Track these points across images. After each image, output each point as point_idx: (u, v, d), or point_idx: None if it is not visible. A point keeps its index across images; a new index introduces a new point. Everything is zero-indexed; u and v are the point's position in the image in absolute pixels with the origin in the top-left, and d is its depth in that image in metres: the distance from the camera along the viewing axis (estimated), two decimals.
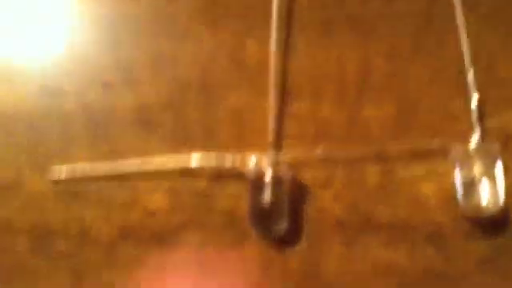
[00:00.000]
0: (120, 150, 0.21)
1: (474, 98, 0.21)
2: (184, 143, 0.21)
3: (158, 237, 0.20)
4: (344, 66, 0.22)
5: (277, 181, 0.20)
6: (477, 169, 0.20)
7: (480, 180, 0.20)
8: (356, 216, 0.20)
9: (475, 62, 0.22)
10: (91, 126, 0.21)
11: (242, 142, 0.21)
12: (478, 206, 0.20)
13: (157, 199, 0.20)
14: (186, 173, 0.20)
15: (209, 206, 0.20)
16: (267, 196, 0.20)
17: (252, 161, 0.20)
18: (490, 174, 0.20)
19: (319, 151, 0.20)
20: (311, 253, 0.20)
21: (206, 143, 0.21)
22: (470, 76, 0.21)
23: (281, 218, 0.20)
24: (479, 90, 0.21)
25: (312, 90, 0.21)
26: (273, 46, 0.21)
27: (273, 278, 0.20)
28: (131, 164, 0.20)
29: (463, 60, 0.21)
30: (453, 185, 0.20)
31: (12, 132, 0.21)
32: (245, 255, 0.20)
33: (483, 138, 0.20)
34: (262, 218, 0.20)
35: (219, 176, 0.20)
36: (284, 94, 0.21)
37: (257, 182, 0.20)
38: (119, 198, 0.20)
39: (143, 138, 0.21)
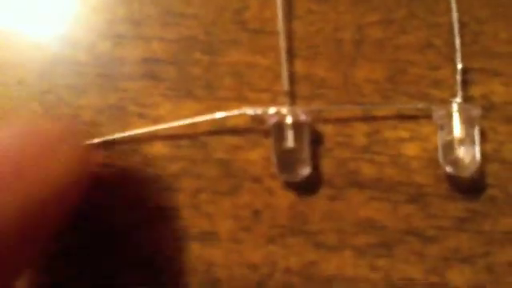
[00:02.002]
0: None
1: (459, 66, 0.21)
2: (186, 97, 0.21)
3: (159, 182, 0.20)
4: (340, 32, 0.21)
5: (297, 126, 0.20)
6: (457, 131, 0.20)
7: (459, 142, 0.20)
8: (343, 174, 0.20)
9: (463, 31, 0.21)
10: (101, 76, 0.21)
11: (242, 97, 0.21)
12: (456, 166, 0.20)
13: (157, 148, 0.20)
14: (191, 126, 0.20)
15: (206, 157, 0.20)
16: (290, 141, 0.20)
17: (272, 110, 0.20)
18: (469, 137, 0.20)
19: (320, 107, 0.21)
20: (299, 204, 0.20)
21: (207, 97, 0.21)
22: (457, 45, 0.21)
23: (304, 163, 0.20)
24: (466, 59, 0.21)
25: (309, 53, 0.21)
26: (279, 11, 0.21)
27: (262, 224, 0.20)
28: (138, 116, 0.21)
29: (452, 30, 0.21)
30: (434, 147, 0.20)
31: (23, 81, 0.21)
32: (237, 202, 0.20)
33: (466, 103, 0.20)
34: (287, 162, 0.20)
35: (219, 130, 0.21)
36: (285, 55, 0.21)
37: (279, 128, 0.20)
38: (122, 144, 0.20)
39: (149, 92, 0.21)
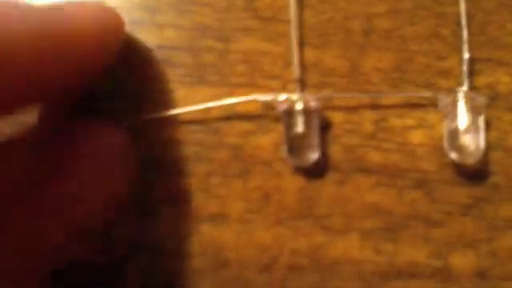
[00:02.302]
0: None
1: (465, 56, 0.21)
2: (200, 83, 0.21)
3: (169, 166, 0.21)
4: (349, 21, 0.22)
5: (307, 112, 0.20)
6: (462, 119, 0.20)
7: (464, 130, 0.20)
8: (350, 159, 0.21)
9: (470, 22, 0.22)
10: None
11: (254, 84, 0.21)
12: (461, 153, 0.20)
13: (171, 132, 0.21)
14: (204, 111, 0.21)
15: (218, 141, 0.21)
16: (300, 126, 0.20)
17: (282, 96, 0.20)
18: (474, 125, 0.20)
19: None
20: (307, 188, 0.20)
21: (220, 84, 0.21)
22: (465, 35, 0.21)
23: (312, 148, 0.20)
24: (473, 49, 0.21)
25: (319, 41, 0.22)
26: (294, 1, 0.22)
27: (271, 207, 0.20)
28: None
29: (459, 20, 0.22)
30: (441, 135, 0.21)
31: None
32: (248, 185, 0.20)
33: (472, 92, 0.21)
34: (296, 147, 0.20)
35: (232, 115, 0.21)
36: (296, 43, 0.21)
37: (289, 114, 0.20)
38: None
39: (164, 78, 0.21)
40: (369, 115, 0.21)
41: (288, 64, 0.21)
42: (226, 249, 0.20)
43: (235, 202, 0.20)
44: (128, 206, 0.20)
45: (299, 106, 0.20)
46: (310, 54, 0.22)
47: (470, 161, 0.20)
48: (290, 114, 0.20)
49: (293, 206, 0.20)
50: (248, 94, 0.21)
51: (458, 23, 0.22)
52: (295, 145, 0.20)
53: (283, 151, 0.20)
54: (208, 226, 0.20)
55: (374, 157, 0.21)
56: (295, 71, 0.21)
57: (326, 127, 0.21)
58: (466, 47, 0.21)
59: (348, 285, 0.20)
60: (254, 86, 0.21)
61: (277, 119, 0.21)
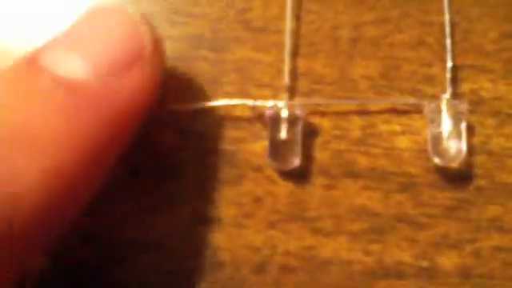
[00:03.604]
0: None
1: (449, 64, 0.22)
2: (192, 92, 0.22)
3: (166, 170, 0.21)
4: (337, 30, 0.22)
5: (292, 119, 0.21)
6: (445, 125, 0.21)
7: (447, 135, 0.20)
8: (339, 164, 0.21)
9: (455, 30, 0.22)
10: None
11: (246, 92, 0.22)
12: (443, 157, 0.20)
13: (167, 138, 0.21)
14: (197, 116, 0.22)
15: (212, 147, 0.21)
16: (284, 132, 0.21)
17: (270, 103, 0.21)
18: (456, 130, 0.21)
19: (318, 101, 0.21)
20: (297, 192, 0.21)
21: (212, 93, 0.22)
22: (448, 43, 0.22)
23: (295, 154, 0.21)
24: (457, 56, 0.22)
25: (308, 50, 0.22)
26: (290, 12, 0.22)
27: (263, 211, 0.21)
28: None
29: (444, 28, 0.22)
30: (425, 141, 0.21)
31: None
32: (240, 190, 0.21)
33: (456, 98, 0.21)
34: (279, 152, 0.21)
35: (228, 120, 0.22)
36: (284, 52, 0.22)
37: (275, 120, 0.21)
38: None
39: None
40: (357, 121, 0.22)
41: (279, 73, 0.22)
42: (221, 250, 0.21)
43: (228, 206, 0.21)
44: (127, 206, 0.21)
45: (284, 113, 0.21)
46: (300, 63, 0.22)
47: (453, 164, 0.21)
48: (275, 120, 0.21)
49: (284, 210, 0.21)
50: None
51: (443, 31, 0.22)
52: (279, 150, 0.21)
53: (267, 155, 0.21)
54: (203, 228, 0.21)
55: (362, 161, 0.21)
56: (285, 79, 0.22)
57: (313, 133, 0.21)
58: (449, 56, 0.22)
59: (337, 284, 0.20)
60: (245, 95, 0.22)
61: (267, 127, 0.21)
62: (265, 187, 0.21)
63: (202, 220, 0.21)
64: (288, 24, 0.22)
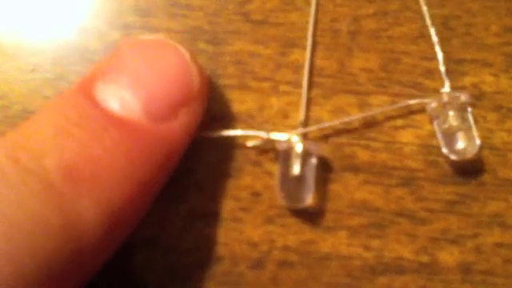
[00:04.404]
0: None
1: (440, 56, 0.21)
2: None
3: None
4: (337, 23, 0.22)
5: (305, 154, 0.20)
6: (452, 119, 0.20)
7: (456, 128, 0.20)
8: (339, 158, 0.21)
9: (456, 24, 0.22)
10: None
11: (245, 85, 0.21)
12: (459, 152, 0.20)
13: None
14: None
15: (210, 141, 0.21)
16: (297, 168, 0.20)
17: (282, 136, 0.20)
18: (464, 122, 0.20)
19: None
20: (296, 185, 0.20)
21: (212, 85, 0.21)
22: (433, 33, 0.22)
23: (308, 189, 0.20)
24: (458, 50, 0.22)
25: (308, 42, 0.22)
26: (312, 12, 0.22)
27: (261, 205, 0.20)
28: None
29: (444, 22, 0.22)
30: (427, 134, 0.21)
31: (37, 67, 0.21)
32: (239, 184, 0.21)
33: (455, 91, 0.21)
34: (291, 188, 0.20)
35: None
36: (283, 45, 0.22)
37: (287, 155, 0.20)
38: None
39: None
40: (358, 115, 0.21)
41: (278, 66, 0.22)
42: (219, 245, 0.20)
43: (226, 200, 0.21)
44: None
45: (299, 149, 0.20)
46: (299, 56, 0.22)
47: (469, 156, 0.20)
48: (287, 154, 0.20)
49: (282, 204, 0.21)
50: (240, 96, 0.21)
51: (443, 24, 0.22)
52: (291, 186, 0.20)
53: (278, 191, 0.20)
54: (201, 223, 0.20)
55: (363, 155, 0.21)
56: (301, 114, 0.21)
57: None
58: (438, 47, 0.21)
59: (336, 280, 0.20)
60: (245, 88, 0.21)
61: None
62: (263, 181, 0.21)
63: (200, 215, 0.20)
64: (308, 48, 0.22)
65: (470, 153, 0.20)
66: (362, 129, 0.21)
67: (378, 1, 0.22)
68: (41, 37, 0.22)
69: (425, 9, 0.22)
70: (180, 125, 0.18)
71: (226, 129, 0.21)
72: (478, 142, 0.20)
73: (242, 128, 0.21)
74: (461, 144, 0.20)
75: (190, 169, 0.21)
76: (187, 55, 0.18)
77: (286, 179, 0.20)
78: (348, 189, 0.21)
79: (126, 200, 0.16)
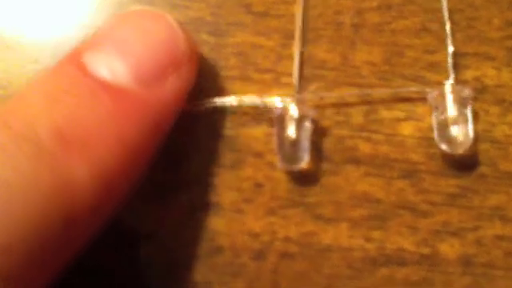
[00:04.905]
0: None
1: (450, 49, 0.21)
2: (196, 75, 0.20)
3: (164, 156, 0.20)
4: (340, 16, 0.22)
5: (301, 117, 0.20)
6: (450, 111, 0.20)
7: (453, 121, 0.20)
8: (341, 150, 0.21)
9: (459, 17, 0.22)
10: None
11: (247, 77, 0.21)
12: (450, 144, 0.20)
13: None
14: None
15: (212, 132, 0.21)
16: (292, 131, 0.20)
17: (278, 100, 0.20)
18: (462, 116, 0.20)
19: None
20: (298, 178, 0.20)
21: (214, 76, 0.21)
22: (447, 30, 0.21)
23: (303, 152, 0.20)
24: (461, 43, 0.21)
25: (310, 36, 0.22)
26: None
27: (263, 196, 0.20)
28: None
29: (448, 15, 0.22)
30: (428, 127, 0.21)
31: (38, 60, 0.22)
32: (240, 175, 0.21)
33: (459, 85, 0.21)
34: (287, 151, 0.20)
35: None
36: (286, 37, 0.22)
37: (281, 119, 0.20)
38: None
39: None
40: (359, 107, 0.21)
41: (280, 58, 0.21)
42: (220, 236, 0.20)
43: (228, 191, 0.21)
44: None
45: (294, 113, 0.20)
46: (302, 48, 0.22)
47: (460, 151, 0.20)
48: (283, 118, 0.20)
49: (284, 196, 0.20)
50: (241, 88, 0.21)
51: (447, 18, 0.22)
52: (286, 149, 0.20)
53: (276, 156, 0.20)
54: (202, 214, 0.20)
55: (364, 148, 0.21)
56: (294, 74, 0.21)
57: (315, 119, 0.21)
58: (449, 41, 0.21)
59: (337, 271, 0.20)
60: (246, 79, 0.21)
61: (268, 111, 0.21)
62: (265, 172, 0.21)
63: (201, 205, 0.20)
64: (298, 9, 0.22)
65: (462, 147, 0.20)
66: (364, 121, 0.21)
67: None
68: (42, 31, 0.22)
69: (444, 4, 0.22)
70: (170, 89, 0.18)
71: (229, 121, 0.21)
72: (471, 137, 0.20)
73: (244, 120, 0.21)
74: (454, 136, 0.20)
75: (191, 159, 0.21)
76: (174, 23, 0.19)
77: (282, 143, 0.20)
78: (349, 181, 0.21)
79: (117, 163, 0.16)
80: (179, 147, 0.21)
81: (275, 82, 0.21)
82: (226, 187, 0.21)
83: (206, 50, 0.22)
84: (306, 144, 0.20)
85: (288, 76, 0.21)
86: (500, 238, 0.20)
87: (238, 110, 0.21)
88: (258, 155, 0.21)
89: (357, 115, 0.21)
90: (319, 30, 0.22)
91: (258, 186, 0.21)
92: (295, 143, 0.20)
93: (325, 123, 0.21)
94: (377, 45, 0.22)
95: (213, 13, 0.22)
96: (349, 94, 0.21)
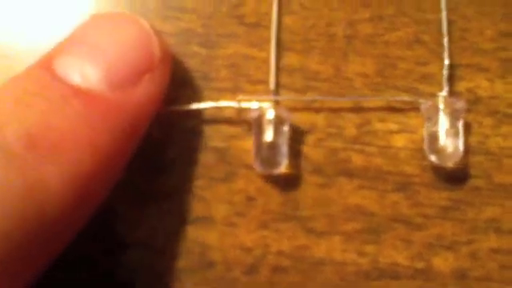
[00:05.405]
0: None
1: (446, 62, 0.21)
2: (184, 88, 0.21)
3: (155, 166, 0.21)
4: (332, 27, 0.22)
5: (278, 120, 0.20)
6: (442, 123, 0.20)
7: (444, 133, 0.20)
8: (333, 162, 0.21)
9: (451, 28, 0.22)
10: None
11: (238, 89, 0.21)
12: (440, 156, 0.20)
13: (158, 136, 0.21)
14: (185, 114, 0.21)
15: (203, 144, 0.21)
16: (269, 135, 0.20)
17: (255, 103, 0.20)
18: (454, 129, 0.20)
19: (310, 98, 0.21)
20: (291, 191, 0.20)
21: (204, 88, 0.21)
22: (445, 43, 0.21)
23: (282, 156, 0.20)
24: (453, 54, 0.21)
25: (302, 47, 0.21)
26: (275, 5, 0.22)
27: (255, 210, 0.20)
28: None
29: (440, 27, 0.22)
30: (422, 139, 0.20)
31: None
32: (232, 188, 0.20)
33: (452, 97, 0.21)
34: (266, 156, 0.20)
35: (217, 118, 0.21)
36: (278, 48, 0.21)
37: (260, 122, 0.20)
38: None
39: None
40: (352, 119, 0.21)
41: (276, 71, 0.21)
42: (211, 250, 0.20)
43: (220, 204, 0.20)
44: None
45: (270, 115, 0.20)
46: (294, 60, 0.21)
47: (449, 164, 0.20)
48: (260, 122, 0.20)
49: (276, 209, 0.20)
50: (233, 99, 0.21)
51: (439, 30, 0.22)
52: (264, 153, 0.20)
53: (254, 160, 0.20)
54: (193, 227, 0.20)
55: (357, 160, 0.21)
56: (271, 79, 0.21)
57: (307, 131, 0.21)
58: (446, 53, 0.21)
59: (331, 286, 0.19)
60: (238, 91, 0.21)
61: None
62: (257, 185, 0.20)
63: (193, 219, 0.20)
64: (274, 19, 0.21)
65: (451, 160, 0.20)
66: (357, 133, 0.21)
67: (373, 5, 0.22)
68: (37, 39, 0.22)
69: (444, 14, 0.22)
70: (143, 93, 0.18)
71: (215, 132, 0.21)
72: (461, 151, 0.20)
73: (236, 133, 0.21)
74: (443, 149, 0.20)
75: (182, 171, 0.21)
76: (147, 26, 0.19)
77: (260, 147, 0.20)
78: (342, 194, 0.20)
79: (90, 167, 0.16)
80: (169, 159, 0.21)
81: (268, 94, 0.21)
82: (218, 200, 0.20)
83: (197, 62, 0.21)
84: (284, 148, 0.20)
85: (281, 87, 0.21)
86: (495, 250, 0.20)
87: (229, 122, 0.21)
88: (250, 167, 0.20)
89: (350, 127, 0.21)
90: (311, 42, 0.22)
91: (250, 199, 0.20)
92: (273, 147, 0.20)
93: (317, 135, 0.21)
94: (369, 56, 0.22)
95: (204, 24, 0.22)
96: (325, 98, 0.21)
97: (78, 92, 0.17)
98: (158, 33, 0.19)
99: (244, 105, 0.20)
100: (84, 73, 0.17)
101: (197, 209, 0.20)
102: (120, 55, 0.18)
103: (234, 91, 0.21)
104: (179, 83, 0.21)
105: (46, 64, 0.17)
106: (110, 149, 0.17)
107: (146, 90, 0.18)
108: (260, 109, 0.20)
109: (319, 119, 0.21)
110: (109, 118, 0.17)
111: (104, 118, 0.17)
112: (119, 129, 0.17)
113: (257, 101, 0.20)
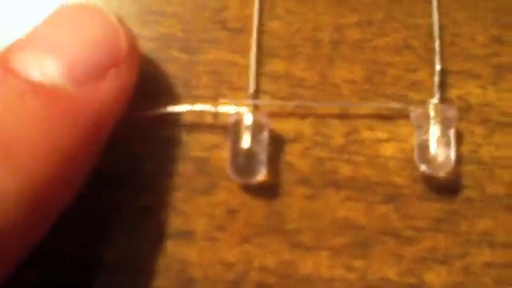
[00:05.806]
0: None
1: (437, 67, 0.20)
2: (162, 96, 0.20)
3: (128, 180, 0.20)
4: (318, 32, 0.21)
5: (256, 126, 0.19)
6: (433, 131, 0.19)
7: (435, 142, 0.19)
8: (320, 173, 0.20)
9: (441, 34, 0.21)
10: None
11: (220, 96, 0.20)
12: (430, 165, 0.19)
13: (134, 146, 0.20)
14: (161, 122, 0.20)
15: (182, 155, 0.20)
16: (246, 141, 0.19)
17: (232, 108, 0.19)
18: (445, 138, 0.19)
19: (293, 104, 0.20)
20: (275, 203, 0.19)
21: (184, 95, 0.20)
22: (437, 46, 0.21)
23: (259, 164, 0.19)
24: (444, 61, 0.21)
25: (288, 52, 0.21)
26: (256, 9, 0.21)
27: (237, 223, 0.19)
28: None
29: (430, 32, 0.21)
30: (412, 148, 0.20)
31: None
32: (213, 201, 0.19)
33: (443, 104, 0.20)
34: (242, 163, 0.19)
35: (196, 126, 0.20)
36: (262, 54, 0.21)
37: (237, 128, 0.19)
38: None
39: None
40: (339, 127, 0.20)
41: (256, 76, 0.21)
42: (191, 266, 0.19)
43: (199, 217, 0.19)
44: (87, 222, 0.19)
45: (248, 121, 0.19)
46: (279, 66, 0.21)
47: (441, 173, 0.19)
48: (238, 127, 0.19)
49: (260, 222, 0.19)
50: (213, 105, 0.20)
51: (429, 35, 0.21)
52: (240, 160, 0.19)
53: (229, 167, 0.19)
54: (172, 242, 0.19)
55: (345, 170, 0.20)
56: (251, 83, 0.20)
57: (293, 140, 0.20)
58: (437, 59, 0.21)
59: None
60: (220, 98, 0.20)
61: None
62: (239, 197, 0.19)
63: (171, 234, 0.19)
64: (255, 24, 0.21)
65: (443, 169, 0.19)
66: (344, 142, 0.20)
67: (361, 10, 0.21)
68: None
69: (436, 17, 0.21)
70: (109, 89, 0.17)
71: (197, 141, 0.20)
72: (452, 160, 0.19)
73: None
74: (434, 158, 0.19)
75: (159, 183, 0.20)
76: (112, 17, 0.18)
77: (237, 153, 0.19)
78: (329, 206, 0.19)
79: (49, 170, 0.15)
80: (145, 170, 0.20)
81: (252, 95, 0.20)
82: (197, 214, 0.19)
83: (177, 68, 0.20)
84: (262, 156, 0.19)
85: (265, 94, 0.20)
86: (489, 265, 0.19)
87: (210, 131, 0.20)
88: (231, 179, 0.19)
89: (337, 136, 0.20)
90: (297, 47, 0.21)
91: (232, 211, 0.19)
92: (250, 154, 0.19)
93: (303, 144, 0.20)
94: (357, 62, 0.21)
95: (185, 29, 0.21)
96: (311, 105, 0.20)
97: (38, 89, 0.16)
98: (124, 25, 0.18)
99: (221, 109, 0.19)
100: (43, 68, 0.16)
101: (175, 223, 0.19)
102: (83, 49, 0.17)
103: (215, 98, 0.20)
104: (158, 90, 0.20)
105: (3, 60, 0.16)
106: (72, 150, 0.16)
107: (112, 86, 0.17)
108: (237, 114, 0.19)
109: (305, 127, 0.20)
110: (71, 116, 0.16)
111: (65, 116, 0.16)
112: (82, 127, 0.16)
113: (234, 105, 0.19)
